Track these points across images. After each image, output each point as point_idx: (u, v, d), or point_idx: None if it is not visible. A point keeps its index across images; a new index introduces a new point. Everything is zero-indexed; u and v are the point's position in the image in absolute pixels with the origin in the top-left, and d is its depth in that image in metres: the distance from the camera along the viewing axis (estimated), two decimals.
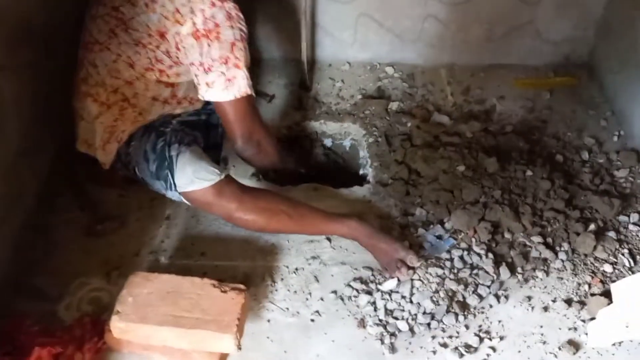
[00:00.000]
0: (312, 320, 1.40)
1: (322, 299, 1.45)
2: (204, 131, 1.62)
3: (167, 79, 1.45)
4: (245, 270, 1.49)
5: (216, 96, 1.39)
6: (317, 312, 1.41)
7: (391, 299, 1.43)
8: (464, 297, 1.43)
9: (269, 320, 1.39)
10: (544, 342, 1.36)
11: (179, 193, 1.42)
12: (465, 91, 2.12)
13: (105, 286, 1.44)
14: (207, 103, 1.63)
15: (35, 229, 1.54)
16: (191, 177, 1.39)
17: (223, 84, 1.37)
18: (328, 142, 2.02)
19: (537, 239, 1.55)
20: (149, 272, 1.36)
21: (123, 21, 1.38)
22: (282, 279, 1.48)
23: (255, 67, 2.15)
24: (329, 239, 1.57)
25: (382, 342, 1.34)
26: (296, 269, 1.51)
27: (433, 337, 1.36)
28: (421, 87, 2.14)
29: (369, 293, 1.44)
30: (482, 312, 1.42)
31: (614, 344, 1.34)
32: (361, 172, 1.91)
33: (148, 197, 1.66)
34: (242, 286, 1.32)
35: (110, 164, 1.53)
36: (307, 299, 1.45)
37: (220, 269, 1.48)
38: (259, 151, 1.52)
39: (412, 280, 1.45)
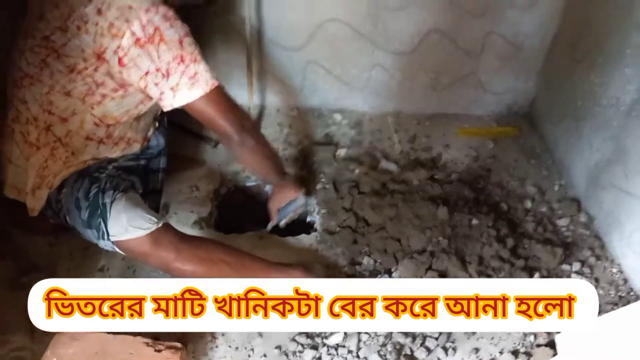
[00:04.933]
0: None
1: (265, 355, 1.37)
2: (143, 177, 1.54)
3: (110, 105, 1.37)
4: None
5: (186, 97, 1.33)
6: None
7: (337, 354, 1.37)
8: (411, 351, 1.39)
9: None
10: None
11: (112, 243, 1.33)
12: (411, 139, 2.14)
13: (28, 345, 1.32)
14: (147, 147, 1.57)
15: None
16: (125, 225, 1.30)
17: (188, 82, 1.31)
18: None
19: None
20: None
21: (54, 49, 1.30)
22: (222, 334, 1.40)
23: None
24: None
25: None
26: None
27: None
28: (369, 134, 2.15)
29: (315, 348, 1.38)
30: None
31: None
32: (308, 219, 1.87)
33: (81, 246, 1.56)
34: (178, 344, 1.23)
35: (39, 210, 1.43)
36: (249, 356, 1.37)
37: None
38: (259, 137, 1.52)
39: (359, 333, 1.40)
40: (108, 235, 1.31)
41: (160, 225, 1.33)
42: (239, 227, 1.75)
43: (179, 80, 1.31)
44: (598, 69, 1.83)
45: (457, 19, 2.03)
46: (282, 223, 1.73)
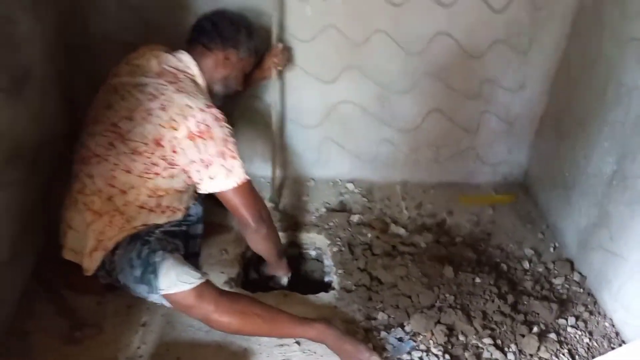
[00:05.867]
0: None
1: None
2: (184, 241, 1.75)
3: (161, 181, 1.60)
4: None
5: (219, 186, 1.59)
6: None
7: None
8: None
9: None
10: None
11: (162, 296, 1.52)
12: (418, 206, 2.36)
13: None
14: (188, 215, 1.79)
15: (13, 334, 1.59)
16: (175, 280, 1.50)
17: (224, 174, 1.57)
18: (295, 252, 2.18)
19: (487, 340, 1.70)
20: None
21: (121, 134, 1.56)
22: None
23: None
24: (298, 342, 1.67)
25: None
26: None
27: None
28: (379, 201, 2.37)
29: None
30: None
31: None
32: (326, 279, 2.06)
33: (125, 304, 1.74)
34: None
35: (94, 270, 1.62)
36: None
37: None
38: (271, 230, 1.73)
39: None
40: (158, 289, 1.51)
41: (203, 280, 1.53)
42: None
43: (217, 171, 1.57)
44: (581, 143, 2.08)
45: (454, 101, 2.31)
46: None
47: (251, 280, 2.04)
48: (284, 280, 1.99)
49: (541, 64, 2.25)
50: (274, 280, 2.00)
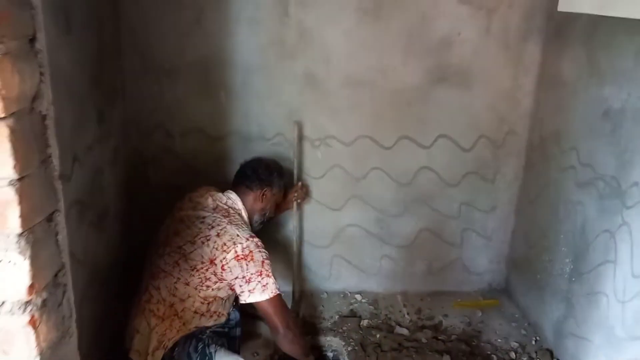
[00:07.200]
0: None
1: None
2: (227, 341, 2.14)
3: (211, 292, 2.02)
4: None
5: (256, 298, 2.01)
6: None
7: None
8: None
9: None
10: None
11: None
12: (417, 311, 2.76)
13: None
14: (228, 319, 2.19)
15: None
16: None
17: (260, 289, 2.00)
18: (315, 354, 2.52)
19: None
20: None
21: (184, 255, 2.02)
22: None
23: None
24: None
25: None
26: None
27: None
28: (384, 308, 2.77)
29: None
30: None
31: None
32: None
33: None
34: None
35: None
36: None
37: None
38: (297, 334, 2.08)
39: None
40: None
41: None
42: None
43: (255, 286, 2.01)
44: (546, 251, 2.55)
45: (439, 221, 2.82)
46: None
47: None
48: None
49: (506, 189, 2.81)
50: None
